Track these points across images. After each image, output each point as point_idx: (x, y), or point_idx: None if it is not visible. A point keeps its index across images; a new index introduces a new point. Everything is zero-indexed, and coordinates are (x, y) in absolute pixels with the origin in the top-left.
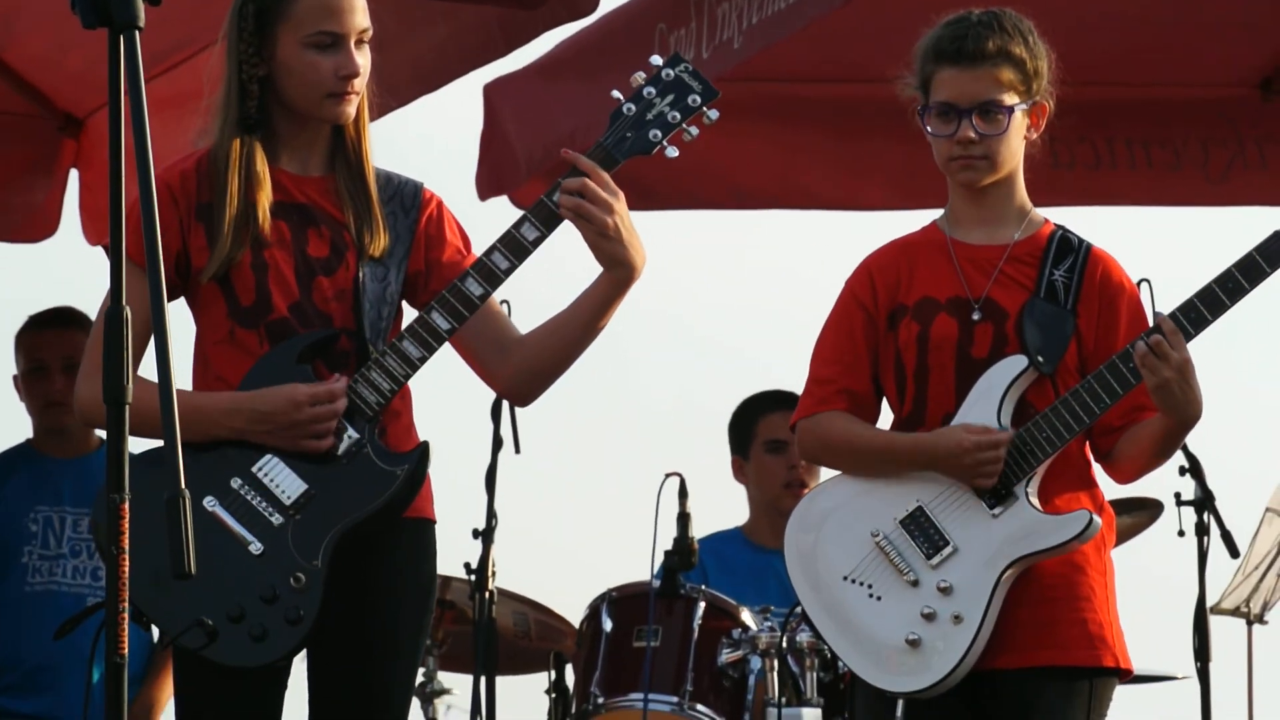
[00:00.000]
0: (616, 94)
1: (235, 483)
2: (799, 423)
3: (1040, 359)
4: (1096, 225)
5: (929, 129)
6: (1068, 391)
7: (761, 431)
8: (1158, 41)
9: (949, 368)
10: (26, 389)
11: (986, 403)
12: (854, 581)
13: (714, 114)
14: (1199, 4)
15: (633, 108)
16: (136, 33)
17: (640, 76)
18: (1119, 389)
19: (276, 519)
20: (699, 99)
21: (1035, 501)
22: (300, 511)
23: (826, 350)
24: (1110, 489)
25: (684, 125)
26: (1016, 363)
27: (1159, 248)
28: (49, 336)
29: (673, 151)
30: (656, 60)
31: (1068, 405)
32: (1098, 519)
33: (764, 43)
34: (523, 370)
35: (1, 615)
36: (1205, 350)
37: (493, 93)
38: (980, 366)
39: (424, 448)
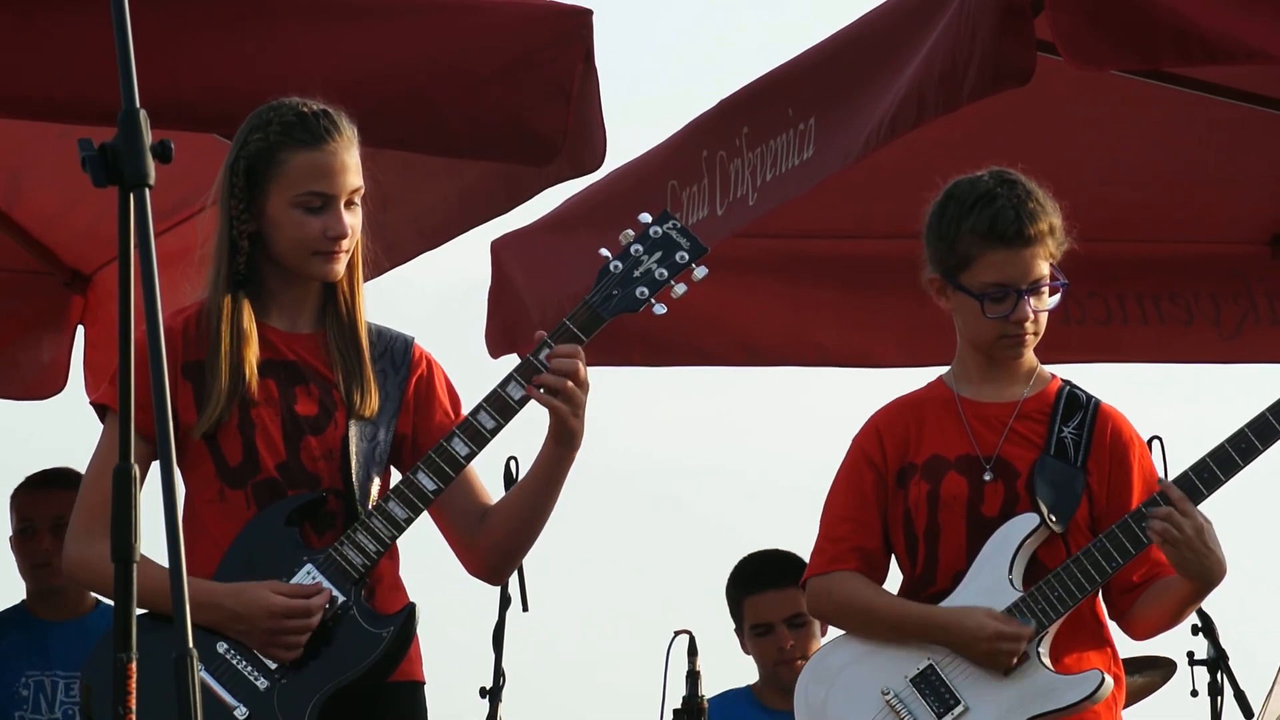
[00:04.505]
0: (604, 252)
1: (221, 647)
2: (810, 580)
3: (1053, 518)
4: (1108, 382)
5: (987, 314)
6: (1080, 551)
7: (747, 615)
8: (1167, 198)
9: (960, 527)
10: (17, 549)
11: (998, 561)
12: None
13: (702, 271)
14: (1208, 161)
15: (620, 265)
16: (147, 190)
17: (629, 234)
18: (1131, 549)
19: (262, 683)
20: (687, 256)
21: (1047, 661)
22: (286, 676)
23: (838, 507)
24: (1124, 647)
25: (671, 283)
26: (1028, 521)
27: (1171, 404)
28: (39, 497)
29: (660, 309)
30: (645, 218)
31: (1080, 564)
32: (1109, 679)
33: (778, 199)
34: (491, 553)
35: None
36: (1215, 507)
37: (501, 249)
38: (991, 525)
39: (410, 609)
